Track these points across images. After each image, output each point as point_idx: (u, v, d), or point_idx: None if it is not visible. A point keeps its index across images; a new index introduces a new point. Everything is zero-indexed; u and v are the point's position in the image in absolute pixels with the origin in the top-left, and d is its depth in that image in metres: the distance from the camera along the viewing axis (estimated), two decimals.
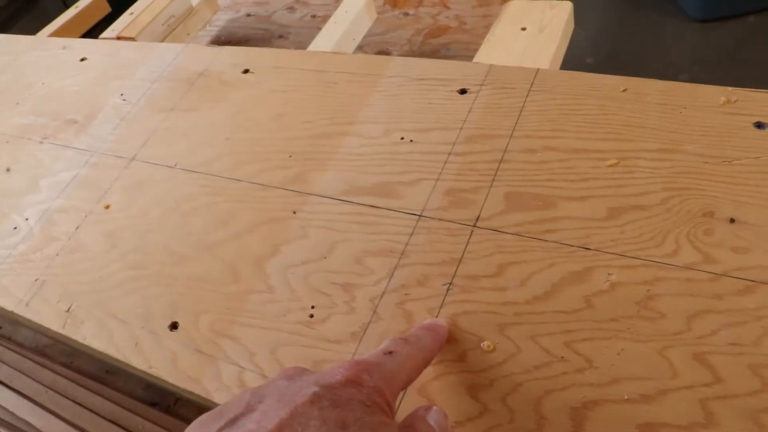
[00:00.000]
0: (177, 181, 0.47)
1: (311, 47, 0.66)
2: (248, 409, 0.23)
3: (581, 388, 0.29)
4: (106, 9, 0.90)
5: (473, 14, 0.78)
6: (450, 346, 0.32)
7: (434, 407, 0.27)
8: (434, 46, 0.76)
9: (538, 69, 0.43)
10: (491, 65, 0.44)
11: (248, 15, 0.88)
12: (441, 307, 0.33)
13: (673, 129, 0.37)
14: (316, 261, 0.38)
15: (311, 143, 0.45)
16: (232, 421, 0.22)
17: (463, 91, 0.43)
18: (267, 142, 0.46)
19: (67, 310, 0.42)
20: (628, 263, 0.32)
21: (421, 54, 0.76)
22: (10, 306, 0.44)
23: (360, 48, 0.77)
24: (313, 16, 0.84)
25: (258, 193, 0.43)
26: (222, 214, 0.43)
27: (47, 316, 0.43)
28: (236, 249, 0.41)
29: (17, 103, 0.62)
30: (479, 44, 0.78)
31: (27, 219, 0.50)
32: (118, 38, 0.76)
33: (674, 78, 1.24)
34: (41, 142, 0.56)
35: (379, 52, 0.77)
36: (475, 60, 0.53)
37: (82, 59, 0.63)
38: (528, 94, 0.41)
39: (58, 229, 0.48)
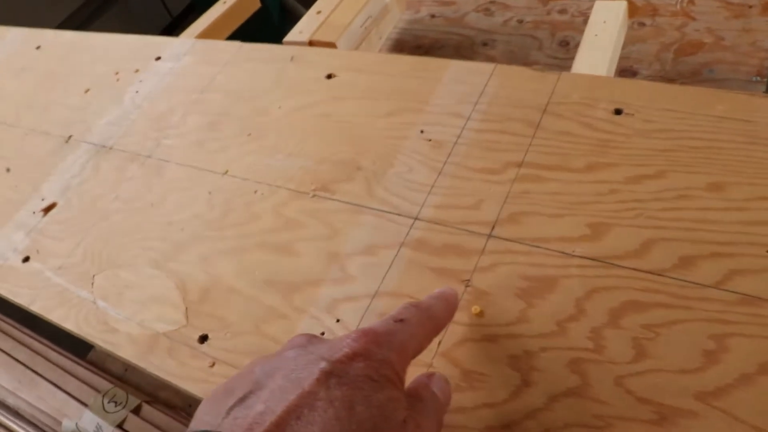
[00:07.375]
0: None
1: (579, 70, 0.51)
2: (257, 386, 0.23)
3: None
4: (256, 4, 0.75)
5: (729, 27, 0.66)
6: None
7: (436, 374, 0.27)
8: (692, 65, 0.64)
9: None
10: None
11: (432, 16, 0.74)
12: None
13: None
14: None
15: None
16: (242, 399, 0.23)
17: None
18: None
19: None
20: None
21: (678, 75, 0.64)
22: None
23: None
24: (520, 21, 0.71)
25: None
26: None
27: None
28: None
29: (249, 135, 0.47)
30: (752, 65, 0.66)
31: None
32: (311, 43, 0.62)
33: None
34: (312, 195, 0.41)
35: (623, 72, 0.64)
36: None
37: (329, 76, 0.48)
38: None
39: None
